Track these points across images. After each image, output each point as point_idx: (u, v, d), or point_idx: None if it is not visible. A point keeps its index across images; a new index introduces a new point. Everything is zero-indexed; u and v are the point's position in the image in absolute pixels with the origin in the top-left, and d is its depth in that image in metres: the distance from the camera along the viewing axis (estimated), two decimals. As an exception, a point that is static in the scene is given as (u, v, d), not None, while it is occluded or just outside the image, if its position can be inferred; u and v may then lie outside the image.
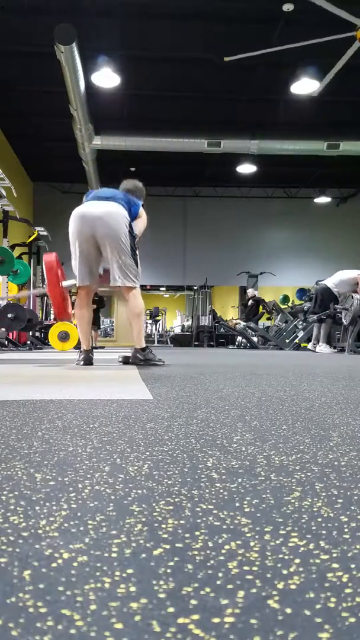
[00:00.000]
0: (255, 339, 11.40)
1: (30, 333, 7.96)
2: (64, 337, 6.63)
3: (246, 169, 13.42)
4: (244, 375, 2.61)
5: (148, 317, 16.15)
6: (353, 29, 6.60)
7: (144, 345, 3.42)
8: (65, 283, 3.79)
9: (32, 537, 0.46)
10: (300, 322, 10.18)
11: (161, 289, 21.63)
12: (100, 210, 3.29)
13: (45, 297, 11.40)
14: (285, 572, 0.39)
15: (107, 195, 3.43)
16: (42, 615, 0.33)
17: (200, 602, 0.35)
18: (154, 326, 16.10)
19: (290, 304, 14.26)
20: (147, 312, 15.98)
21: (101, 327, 10.96)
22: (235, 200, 16.30)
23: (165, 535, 0.46)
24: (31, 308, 8.75)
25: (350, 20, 6.30)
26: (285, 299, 15.64)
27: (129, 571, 0.39)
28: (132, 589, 0.36)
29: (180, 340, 15.47)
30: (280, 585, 0.37)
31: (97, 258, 3.39)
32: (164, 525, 0.49)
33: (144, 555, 0.42)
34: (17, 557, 0.41)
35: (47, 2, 7.46)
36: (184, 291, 21.32)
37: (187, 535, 0.46)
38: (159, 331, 16.19)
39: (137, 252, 3.41)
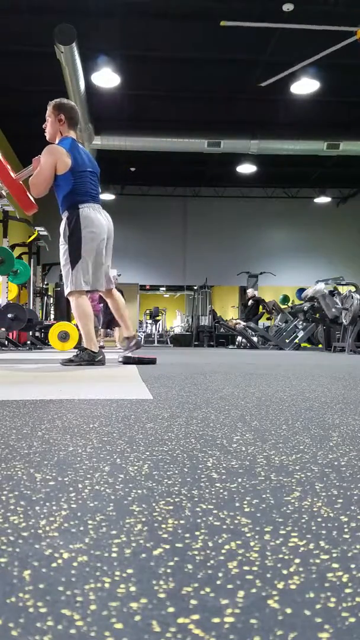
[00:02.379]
0: (255, 339, 11.40)
1: (30, 333, 7.95)
2: (64, 337, 6.64)
3: (246, 169, 13.43)
4: (244, 375, 2.61)
5: (148, 317, 16.15)
6: (352, 33, 6.61)
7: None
8: (18, 174, 3.54)
9: (32, 537, 0.46)
10: (300, 322, 10.19)
11: (161, 289, 21.64)
12: (107, 217, 3.54)
13: (45, 297, 11.39)
14: (285, 572, 0.39)
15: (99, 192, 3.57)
16: (42, 615, 0.33)
17: (200, 602, 0.35)
18: (154, 326, 16.10)
19: (290, 304, 14.27)
20: (147, 312, 15.99)
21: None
22: (235, 200, 16.31)
23: (165, 535, 0.46)
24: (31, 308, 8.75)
25: (347, 30, 6.29)
26: (285, 299, 15.65)
27: (129, 571, 0.39)
28: (132, 589, 0.36)
29: (180, 340, 15.47)
30: (280, 585, 0.37)
31: None
32: (164, 525, 0.49)
33: (144, 555, 0.42)
34: (17, 557, 0.41)
35: (47, 2, 7.47)
36: (184, 291, 21.31)
37: (187, 535, 0.46)
38: (159, 331, 16.20)
39: None
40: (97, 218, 3.40)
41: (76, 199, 3.34)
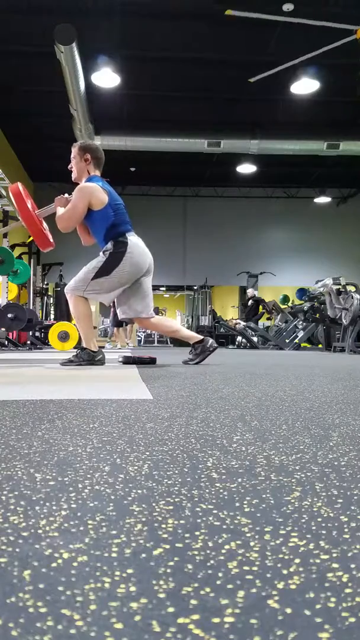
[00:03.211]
0: (255, 339, 11.40)
1: (30, 333, 7.96)
2: (63, 337, 6.64)
3: (246, 169, 13.43)
4: (244, 375, 2.61)
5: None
6: (352, 32, 6.62)
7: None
8: (39, 211, 3.52)
9: (32, 537, 0.46)
10: (300, 322, 10.18)
11: (161, 289, 21.64)
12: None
13: (45, 297, 11.39)
14: (285, 572, 0.39)
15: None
16: (42, 615, 0.33)
17: (200, 602, 0.35)
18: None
19: (290, 304, 14.27)
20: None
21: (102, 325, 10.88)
22: (235, 200, 16.31)
23: (165, 535, 0.46)
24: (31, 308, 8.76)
25: (346, 28, 6.35)
26: (285, 299, 15.65)
27: (129, 571, 0.39)
28: (132, 589, 0.36)
29: (181, 340, 15.47)
30: (280, 585, 0.37)
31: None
32: (164, 525, 0.49)
33: (144, 555, 0.42)
34: (17, 557, 0.41)
35: (47, 2, 7.47)
36: (184, 291, 21.32)
37: (187, 535, 0.46)
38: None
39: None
40: (143, 247, 3.44)
41: (120, 229, 3.37)
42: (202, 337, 3.64)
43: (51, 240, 3.63)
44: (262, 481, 0.64)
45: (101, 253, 3.38)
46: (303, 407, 1.35)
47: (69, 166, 3.52)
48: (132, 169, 14.44)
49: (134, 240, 3.39)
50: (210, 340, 3.62)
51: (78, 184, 3.46)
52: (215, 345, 3.66)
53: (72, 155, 3.51)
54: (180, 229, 16.42)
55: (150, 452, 0.80)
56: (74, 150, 3.50)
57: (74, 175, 3.52)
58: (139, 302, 3.47)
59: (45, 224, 3.61)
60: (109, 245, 3.35)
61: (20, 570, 0.39)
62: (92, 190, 3.32)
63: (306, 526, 0.49)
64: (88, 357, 3.37)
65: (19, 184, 3.46)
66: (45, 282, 11.40)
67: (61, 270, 11.01)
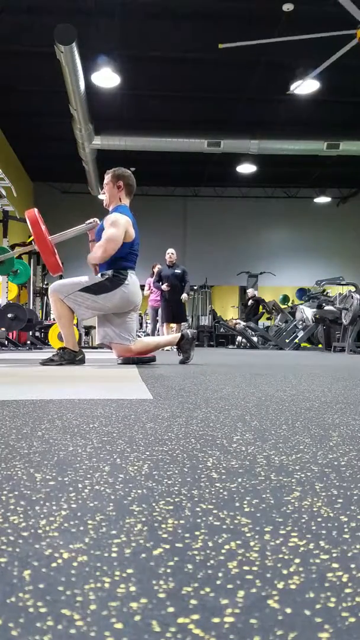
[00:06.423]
0: (255, 339, 11.40)
1: (30, 333, 7.95)
2: (64, 337, 6.62)
3: (246, 169, 13.43)
4: (244, 375, 2.61)
5: (148, 317, 16.15)
6: (353, 29, 6.60)
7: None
8: (52, 237, 3.62)
9: (32, 537, 0.46)
10: (300, 322, 10.18)
11: (161, 288, 21.61)
12: None
13: (45, 297, 11.39)
14: (285, 572, 0.39)
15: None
16: (42, 615, 0.33)
17: (200, 602, 0.35)
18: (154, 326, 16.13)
19: (290, 304, 14.27)
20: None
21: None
22: (235, 200, 16.31)
23: (165, 535, 0.46)
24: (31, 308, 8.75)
25: (346, 34, 6.32)
26: (285, 299, 15.65)
27: (129, 571, 0.39)
28: (132, 589, 0.36)
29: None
30: (280, 585, 0.37)
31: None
32: (164, 525, 0.49)
33: (144, 555, 0.42)
34: (17, 557, 0.41)
35: (47, 2, 7.46)
36: (184, 291, 21.30)
37: (187, 535, 0.46)
38: (159, 331, 16.20)
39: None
40: (138, 287, 3.56)
41: (125, 264, 3.50)
42: (179, 334, 3.69)
43: (61, 265, 3.75)
44: (262, 481, 0.64)
45: (99, 275, 3.49)
46: (303, 407, 1.35)
47: (101, 191, 3.67)
48: (132, 169, 14.43)
49: (134, 278, 3.51)
50: (189, 332, 3.69)
51: (107, 210, 3.61)
52: (194, 331, 3.76)
53: (105, 182, 3.68)
54: (180, 229, 16.41)
55: (150, 452, 0.80)
56: (107, 177, 3.66)
57: (105, 201, 3.68)
58: (121, 329, 3.51)
59: (55, 250, 3.71)
60: (110, 272, 3.45)
61: (20, 570, 0.39)
62: (127, 224, 3.47)
63: (306, 526, 0.49)
64: (69, 357, 3.43)
65: (35, 210, 3.57)
66: (45, 282, 11.40)
67: (61, 270, 10.98)
